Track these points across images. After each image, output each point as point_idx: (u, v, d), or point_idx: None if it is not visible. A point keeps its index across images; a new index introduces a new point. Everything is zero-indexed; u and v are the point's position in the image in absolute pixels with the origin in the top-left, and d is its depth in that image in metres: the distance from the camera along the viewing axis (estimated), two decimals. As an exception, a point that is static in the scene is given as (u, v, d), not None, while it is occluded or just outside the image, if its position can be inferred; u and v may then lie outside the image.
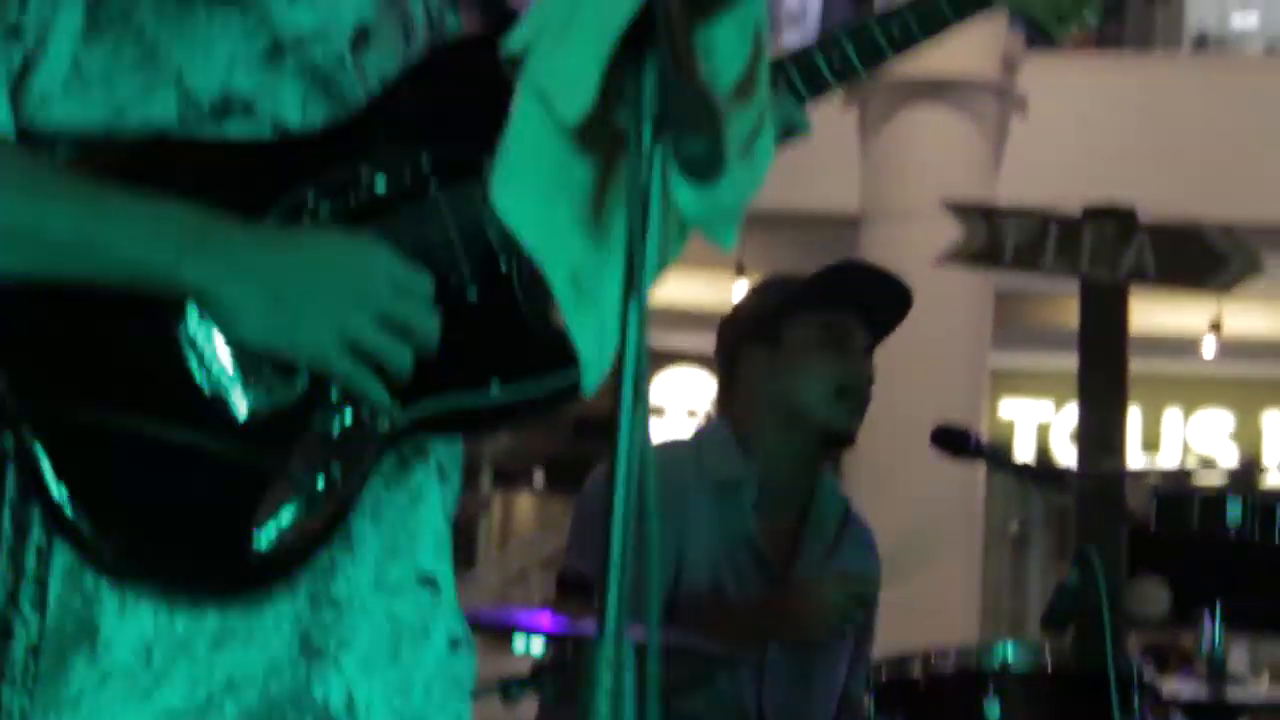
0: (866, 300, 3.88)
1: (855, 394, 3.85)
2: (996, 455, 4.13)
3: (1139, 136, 11.47)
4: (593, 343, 1.60)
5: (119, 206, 1.91)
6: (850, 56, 2.18)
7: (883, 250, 10.80)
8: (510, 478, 18.17)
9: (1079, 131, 11.61)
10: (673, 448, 3.92)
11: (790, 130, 2.15)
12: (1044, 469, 3.97)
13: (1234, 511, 3.76)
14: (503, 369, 2.02)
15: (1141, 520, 4.34)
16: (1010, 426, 15.33)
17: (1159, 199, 8.09)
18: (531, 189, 1.57)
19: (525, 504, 18.77)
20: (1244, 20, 14.18)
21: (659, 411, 15.04)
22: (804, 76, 2.19)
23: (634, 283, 1.43)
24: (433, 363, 1.97)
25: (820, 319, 3.84)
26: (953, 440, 3.98)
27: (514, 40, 1.57)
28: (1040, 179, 10.84)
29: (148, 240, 1.89)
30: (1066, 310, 12.75)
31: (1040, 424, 15.48)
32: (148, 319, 1.93)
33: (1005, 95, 11.63)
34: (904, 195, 10.81)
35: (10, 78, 1.94)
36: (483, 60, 2.06)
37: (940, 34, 2.22)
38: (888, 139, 11.24)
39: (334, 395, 1.96)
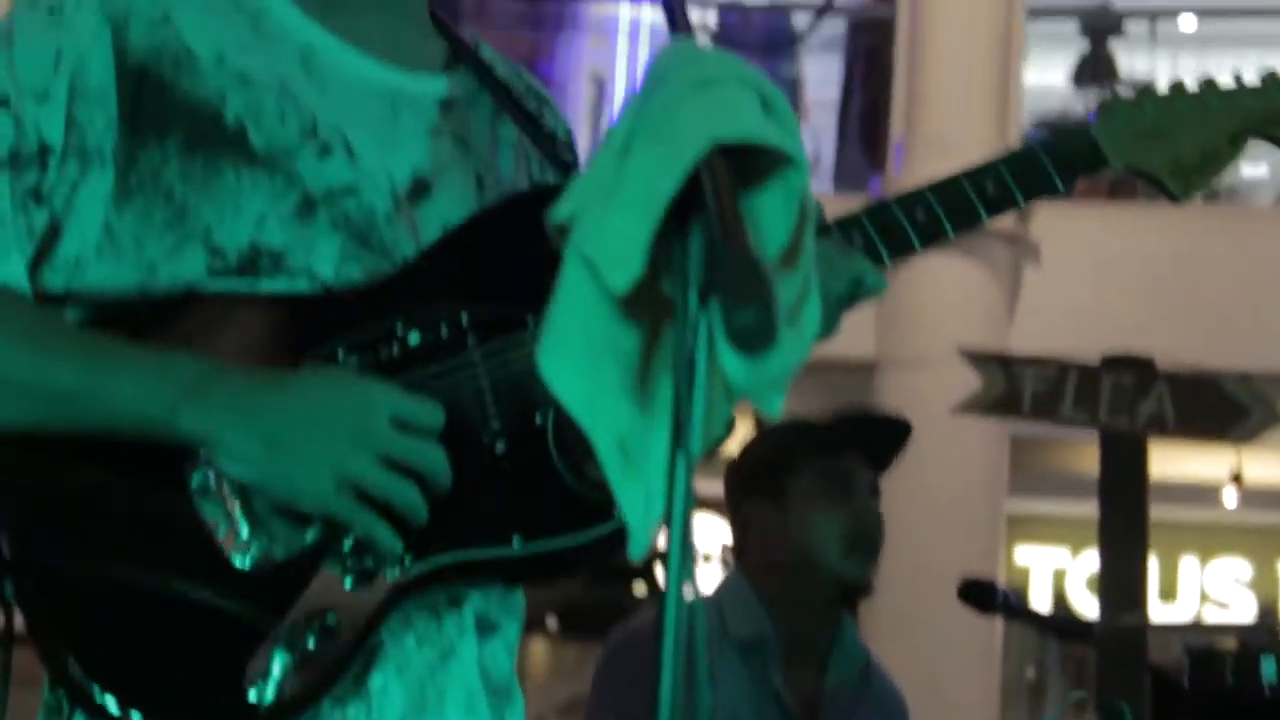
0: (865, 440, 3.85)
1: (866, 541, 3.81)
2: (1022, 611, 4.11)
3: (1153, 285, 11.48)
4: (639, 508, 1.58)
5: (120, 358, 1.92)
6: (940, 216, 2.12)
7: (898, 396, 10.77)
8: (524, 623, 18.12)
9: (1092, 279, 11.62)
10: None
11: (863, 290, 2.07)
12: (1068, 624, 3.94)
13: (1269, 669, 3.73)
14: (526, 524, 2.01)
15: (1170, 675, 4.30)
16: (1026, 573, 15.25)
17: (1174, 348, 8.10)
18: (578, 357, 1.56)
19: (539, 649, 18.66)
20: (1254, 170, 14.25)
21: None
22: (883, 236, 2.12)
23: (681, 445, 1.43)
24: (452, 514, 1.96)
25: (821, 466, 3.80)
26: (980, 595, 3.96)
27: (560, 210, 1.57)
28: (1054, 327, 10.85)
29: (147, 390, 1.89)
30: (1082, 456, 12.74)
31: (1056, 570, 15.39)
32: (155, 472, 1.93)
33: (1019, 243, 11.63)
34: (918, 342, 10.81)
35: (34, 240, 1.96)
36: (531, 218, 2.10)
37: (1043, 196, 2.14)
38: (902, 285, 11.23)
39: (345, 546, 1.94)
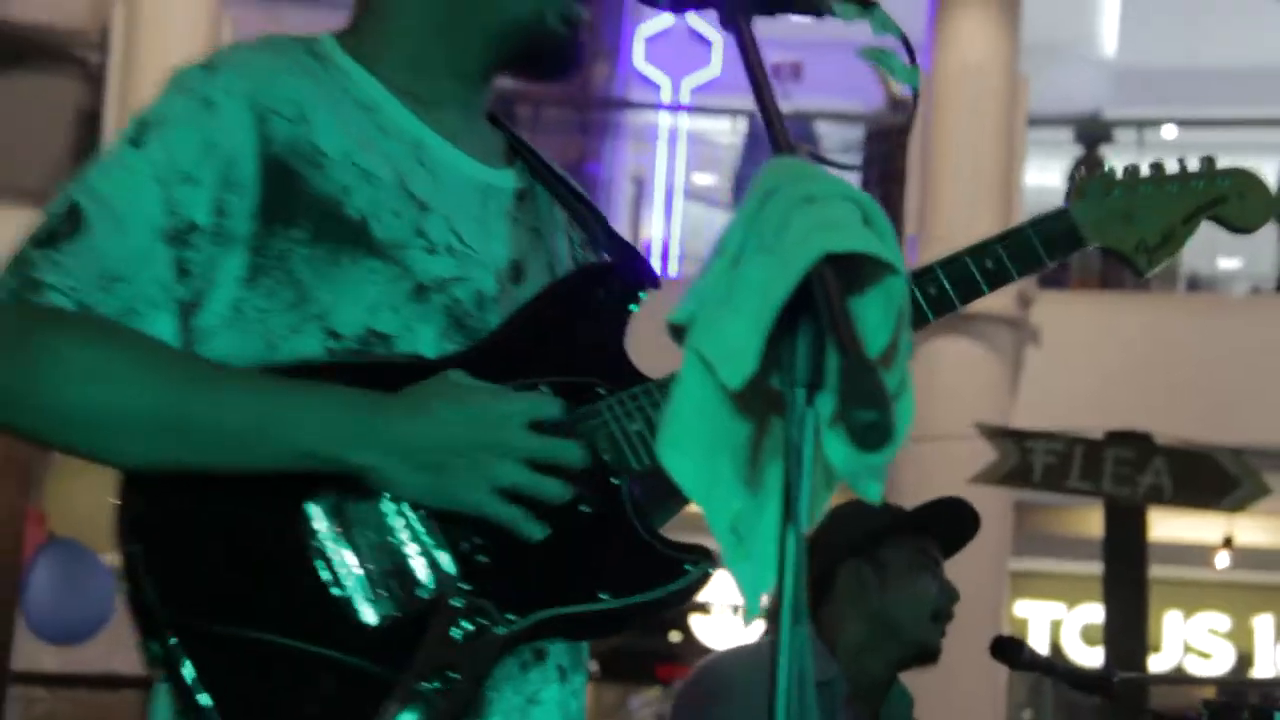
0: (950, 528, 3.87)
1: (948, 615, 3.84)
2: (1044, 664, 4.07)
3: (1142, 367, 11.47)
4: (749, 582, 1.57)
5: (289, 397, 1.90)
6: (947, 288, 2.12)
7: (913, 468, 10.71)
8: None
9: (1088, 361, 11.62)
10: (761, 651, 3.88)
11: None
12: (1084, 677, 3.93)
13: (1283, 725, 3.69)
14: (611, 582, 1.98)
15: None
16: (1025, 624, 15.18)
17: (1163, 425, 8.08)
18: (696, 448, 1.54)
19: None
20: (1229, 263, 14.27)
21: (705, 609, 14.91)
22: None
23: (791, 522, 1.41)
24: (548, 574, 1.94)
25: (917, 544, 3.82)
26: (1009, 652, 3.95)
27: (679, 312, 1.55)
28: (1053, 405, 10.84)
29: (317, 427, 1.88)
30: (1076, 520, 12.72)
31: (1053, 621, 15.33)
32: (283, 535, 1.90)
33: (1021, 328, 11.65)
34: (931, 418, 10.75)
35: (178, 307, 1.94)
36: (598, 294, 2.11)
37: (1032, 270, 2.16)
38: (916, 367, 11.10)
39: (457, 603, 1.92)
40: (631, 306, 2.11)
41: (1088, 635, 15.15)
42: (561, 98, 13.25)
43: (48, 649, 7.36)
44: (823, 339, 1.50)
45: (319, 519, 1.90)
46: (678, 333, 1.55)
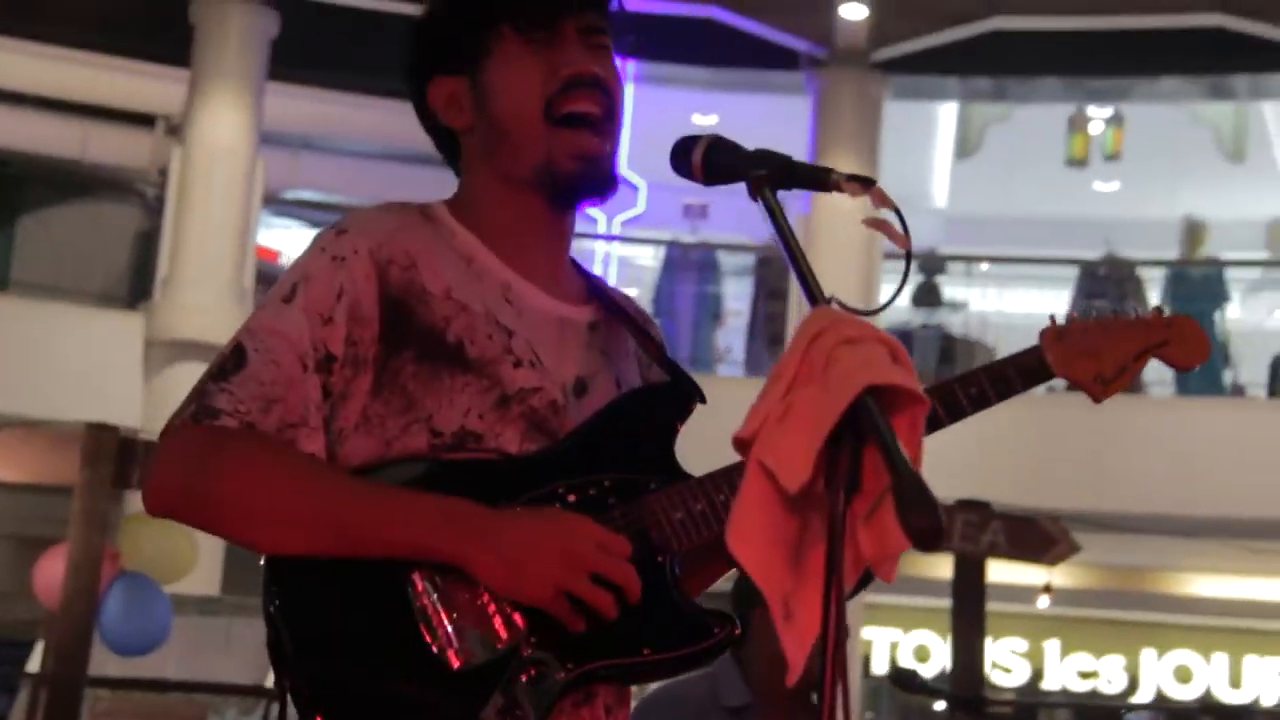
0: None
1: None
2: (929, 689, 4.04)
3: (987, 447, 11.50)
4: (796, 646, 1.53)
5: (397, 500, 1.88)
6: (937, 409, 2.07)
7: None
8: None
9: (940, 446, 11.60)
10: (695, 679, 3.83)
11: None
12: (959, 698, 3.91)
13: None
14: (653, 639, 1.94)
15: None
16: (870, 644, 15.16)
17: (998, 494, 8.11)
18: (758, 539, 1.51)
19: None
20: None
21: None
22: None
23: (831, 599, 1.38)
24: (601, 632, 1.90)
25: None
26: (905, 680, 3.91)
27: (745, 429, 1.51)
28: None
29: (418, 524, 1.85)
30: (915, 563, 12.73)
31: (891, 643, 15.32)
32: (391, 597, 1.87)
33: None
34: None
35: (323, 421, 1.93)
36: (654, 407, 2.07)
37: (1008, 397, 2.12)
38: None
39: (526, 653, 1.88)
40: (679, 418, 2.08)
41: (919, 654, 15.18)
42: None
43: (110, 657, 7.20)
44: (860, 452, 1.47)
45: (420, 584, 1.87)
46: (743, 446, 1.52)
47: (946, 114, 15.64)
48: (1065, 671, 15.29)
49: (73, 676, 6.47)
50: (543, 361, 2.00)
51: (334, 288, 1.94)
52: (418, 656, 1.85)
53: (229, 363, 1.91)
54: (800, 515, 1.52)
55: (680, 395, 2.08)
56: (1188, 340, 2.17)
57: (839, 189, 1.89)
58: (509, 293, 2.03)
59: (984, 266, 14.21)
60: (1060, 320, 2.17)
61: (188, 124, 11.83)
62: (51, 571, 6.50)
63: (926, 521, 1.26)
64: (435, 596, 1.87)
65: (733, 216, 13.52)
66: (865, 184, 1.87)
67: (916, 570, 12.22)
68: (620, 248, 14.30)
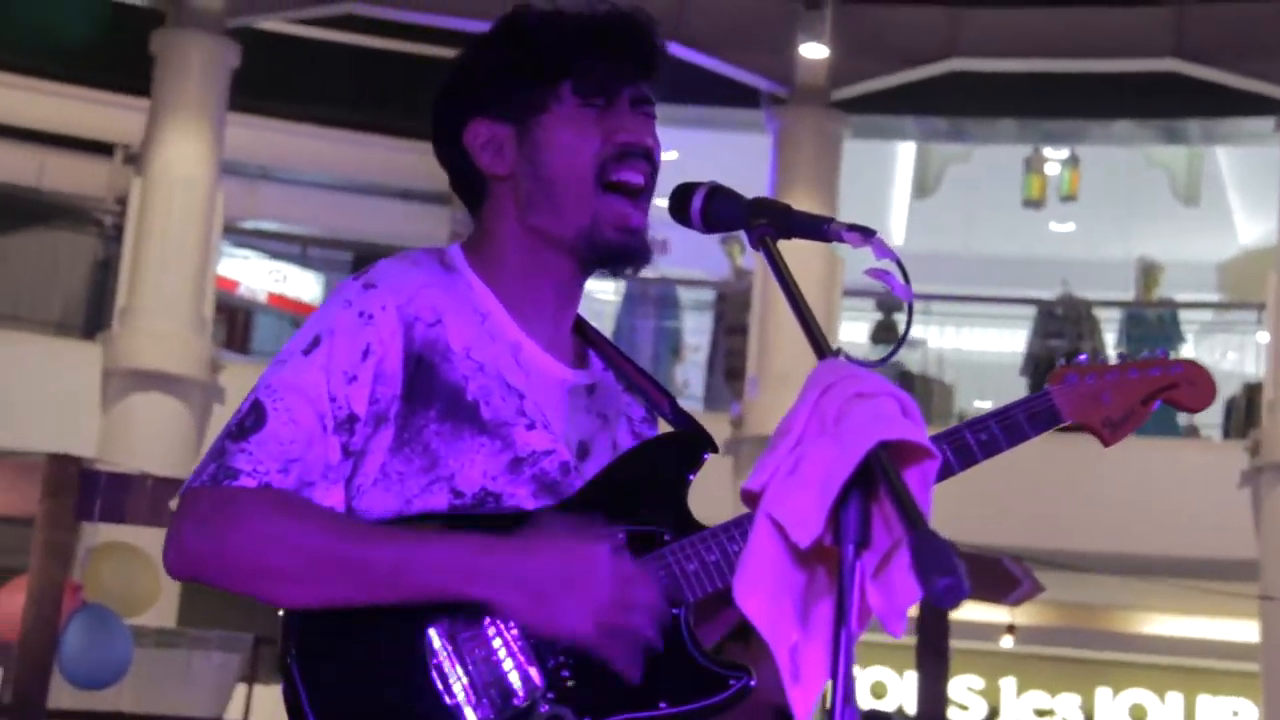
0: None
1: None
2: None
3: (951, 486, 11.53)
4: (802, 705, 1.52)
5: (422, 546, 1.86)
6: (949, 456, 2.07)
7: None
8: None
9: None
10: None
11: None
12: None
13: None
14: (669, 692, 1.92)
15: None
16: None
17: (961, 533, 8.12)
18: (764, 591, 1.50)
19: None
20: (988, 405, 14.43)
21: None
22: None
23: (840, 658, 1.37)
24: (618, 686, 1.88)
25: None
26: (878, 721, 3.90)
27: (753, 482, 1.51)
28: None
29: (446, 569, 1.84)
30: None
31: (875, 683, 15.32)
32: (407, 654, 1.86)
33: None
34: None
35: (342, 479, 1.91)
36: (665, 458, 2.05)
37: (1019, 443, 2.09)
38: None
39: (544, 709, 1.87)
40: (691, 469, 2.06)
41: (876, 690, 15.17)
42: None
43: (70, 691, 7.11)
44: (869, 507, 1.46)
45: (436, 640, 1.86)
46: (750, 499, 1.51)
47: (905, 153, 15.73)
48: (1021, 709, 15.31)
49: (31, 710, 6.38)
50: (552, 423, 2.00)
51: (360, 345, 1.91)
52: (435, 715, 1.84)
53: (248, 420, 1.89)
54: (808, 569, 1.51)
55: (691, 446, 2.06)
56: (1195, 383, 2.16)
57: (839, 239, 1.89)
58: (519, 354, 2.01)
59: (942, 304, 14.27)
60: (1069, 364, 2.17)
61: (148, 153, 11.76)
62: (12, 604, 6.42)
63: (949, 581, 1.25)
64: (452, 652, 1.86)
65: (692, 252, 13.52)
66: (866, 234, 1.88)
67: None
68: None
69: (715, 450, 2.07)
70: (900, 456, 1.48)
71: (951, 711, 15.13)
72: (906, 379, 13.05)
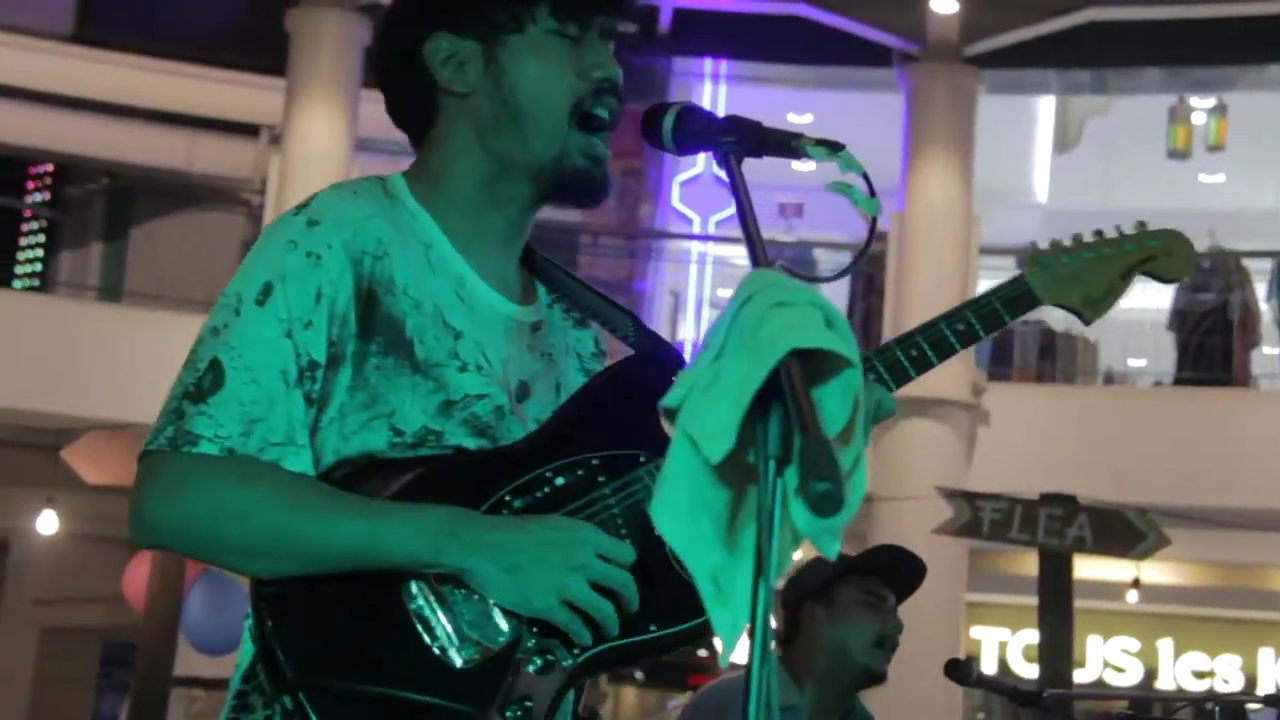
0: (897, 572, 3.73)
1: (890, 643, 3.68)
2: (989, 682, 3.92)
3: (1071, 442, 11.32)
4: (727, 626, 1.45)
5: (389, 514, 1.81)
6: (926, 350, 2.01)
7: (888, 522, 10.60)
8: (619, 675, 17.93)
9: (1027, 438, 11.47)
10: (741, 680, 3.75)
11: (883, 411, 1.98)
12: (1021, 693, 3.76)
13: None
14: (657, 616, 1.86)
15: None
16: (979, 644, 14.92)
17: (1086, 488, 7.93)
18: (682, 510, 1.43)
19: (630, 695, 18.38)
20: (1137, 362, 14.14)
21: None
22: (888, 369, 2.02)
23: (761, 575, 1.30)
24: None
25: (864, 585, 3.68)
26: (960, 672, 3.80)
27: (670, 398, 1.44)
28: (999, 473, 10.69)
29: (415, 538, 1.79)
30: (1018, 561, 12.52)
31: (1000, 643, 15.04)
32: (386, 601, 1.80)
33: (973, 411, 11.50)
34: (904, 483, 10.64)
35: (308, 431, 1.86)
36: (637, 379, 1.98)
37: (997, 330, 2.05)
38: (889, 441, 11.09)
39: (530, 642, 1.82)
40: (665, 387, 1.99)
41: (1028, 654, 14.88)
42: (615, 230, 13.21)
43: (204, 659, 7.25)
44: (790, 421, 1.38)
45: (415, 586, 1.81)
46: (670, 415, 1.44)
47: (1045, 108, 15.38)
48: (1180, 671, 14.94)
49: (160, 677, 6.52)
50: (491, 363, 1.93)
51: (312, 289, 1.85)
52: (419, 659, 1.79)
53: (205, 380, 1.82)
54: (734, 488, 1.44)
55: (663, 365, 1.98)
56: (1174, 253, 2.11)
57: (805, 155, 1.81)
58: (462, 288, 1.95)
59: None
60: (1042, 246, 2.09)
61: (285, 132, 11.93)
62: (140, 575, 6.56)
63: (827, 487, 1.17)
64: (431, 597, 1.81)
65: (829, 214, 13.37)
66: (833, 148, 1.80)
67: (1022, 569, 12.02)
68: (715, 248, 14.21)
69: (683, 366, 2.00)
70: (821, 367, 1.40)
71: (1108, 674, 14.83)
72: (1049, 337, 12.79)
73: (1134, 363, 14.21)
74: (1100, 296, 2.09)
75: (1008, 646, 15.10)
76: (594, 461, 1.91)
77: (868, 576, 3.69)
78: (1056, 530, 6.30)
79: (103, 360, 11.43)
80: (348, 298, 1.86)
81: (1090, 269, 2.09)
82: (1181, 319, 12.44)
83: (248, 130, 14.02)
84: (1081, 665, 14.55)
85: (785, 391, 1.31)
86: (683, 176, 14.30)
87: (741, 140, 1.81)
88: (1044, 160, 15.77)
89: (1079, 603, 7.28)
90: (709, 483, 1.42)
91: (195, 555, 1.89)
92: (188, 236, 13.34)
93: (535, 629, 1.82)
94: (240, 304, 1.85)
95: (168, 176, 13.72)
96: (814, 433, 1.24)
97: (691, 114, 1.86)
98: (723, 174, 1.83)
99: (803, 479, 1.21)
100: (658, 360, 2.01)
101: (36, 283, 14.01)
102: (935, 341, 2.02)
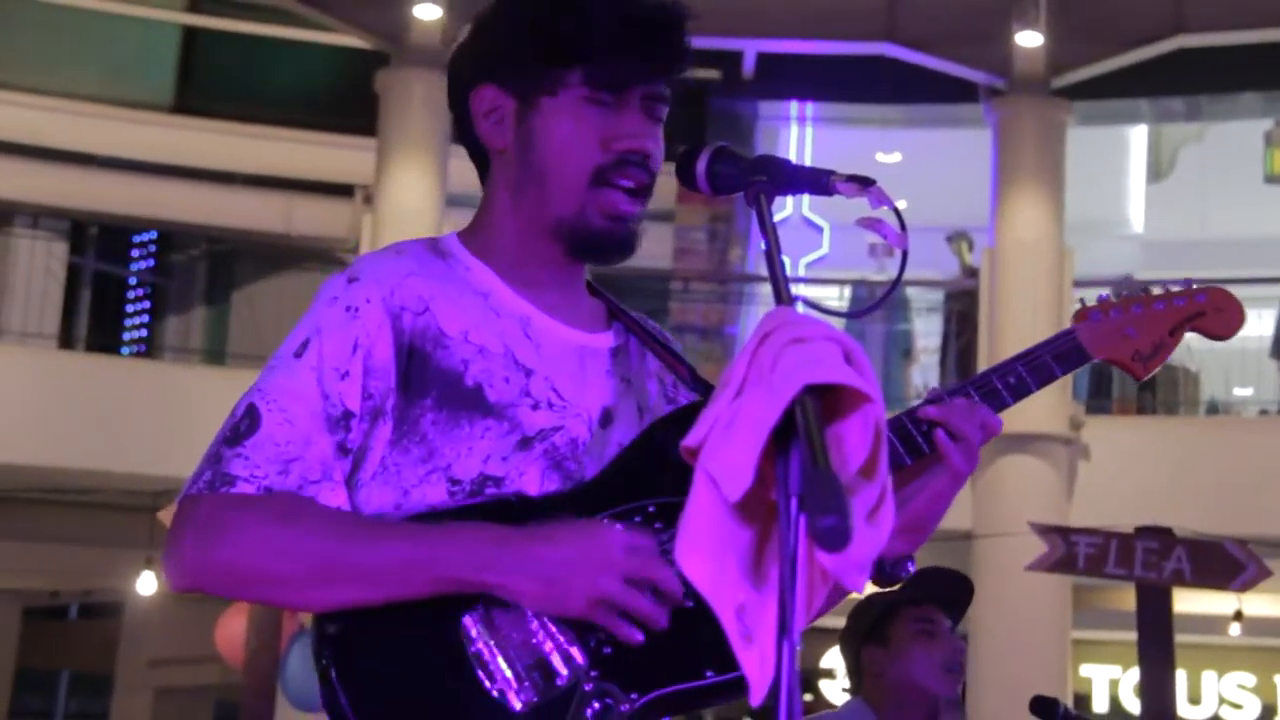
0: (946, 594, 3.72)
1: (955, 666, 3.66)
2: (1073, 717, 3.85)
3: (1172, 475, 11.13)
4: (756, 667, 1.44)
5: (432, 538, 1.82)
6: (976, 401, 2.01)
7: (990, 559, 10.48)
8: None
9: (1127, 472, 11.29)
10: (830, 717, 3.75)
11: (987, 431, 1.99)
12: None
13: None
14: (715, 661, 1.84)
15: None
16: (1089, 683, 14.67)
17: (1190, 521, 7.79)
18: (704, 549, 1.43)
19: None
20: (1242, 392, 13.88)
21: (830, 674, 14.56)
22: (985, 396, 2.03)
23: (786, 625, 1.29)
24: (663, 658, 1.83)
25: (916, 615, 3.67)
26: (1045, 708, 3.74)
27: (692, 437, 1.44)
28: (1100, 507, 10.54)
29: (457, 558, 1.80)
30: (1125, 596, 12.30)
31: (1111, 680, 14.78)
32: (445, 645, 1.82)
33: (1073, 446, 11.36)
34: (1003, 518, 10.52)
35: (342, 476, 1.88)
36: (686, 429, 1.97)
37: (1048, 383, 2.05)
38: (990, 477, 10.97)
39: (588, 688, 1.82)
40: None
41: (1140, 691, 14.62)
42: (705, 274, 13.22)
43: (304, 715, 7.29)
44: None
45: (473, 628, 1.82)
46: (692, 454, 1.44)
47: (1137, 136, 15.21)
48: (1300, 706, 14.61)
49: (261, 732, 6.57)
50: (564, 397, 1.95)
51: (349, 340, 1.88)
52: (478, 703, 1.80)
53: (242, 424, 1.86)
54: (758, 525, 1.43)
55: None
56: (1223, 310, 2.10)
57: (836, 191, 1.81)
58: (529, 327, 1.97)
59: (1183, 290, 13.74)
60: (1090, 303, 2.08)
61: (377, 191, 12.08)
62: (233, 630, 6.62)
63: (833, 520, 1.17)
64: (490, 640, 1.82)
65: (921, 252, 13.31)
66: (864, 183, 1.80)
67: (1131, 604, 11.82)
68: (806, 289, 14.17)
69: None
70: (839, 403, 1.40)
71: (1225, 711, 14.52)
72: (1149, 368, 12.60)
73: (1240, 392, 13.96)
74: (1149, 353, 2.08)
75: (1119, 684, 14.83)
76: (650, 509, 1.91)
77: (919, 605, 3.67)
78: (1154, 563, 6.18)
79: (206, 421, 11.58)
80: (388, 351, 1.89)
81: (1139, 325, 2.08)
82: (1284, 346, 12.22)
83: (343, 191, 14.21)
84: (1196, 702, 14.27)
85: (799, 427, 1.30)
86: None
87: (772, 179, 1.82)
88: (1138, 190, 15.59)
89: (1187, 638, 7.13)
90: (731, 521, 1.41)
91: (238, 592, 1.90)
92: (287, 297, 13.52)
93: (594, 673, 1.83)
94: (279, 358, 1.90)
95: (266, 239, 13.93)
96: (822, 468, 1.23)
97: (724, 156, 1.86)
98: (821, 219, 1.83)
99: (809, 514, 1.20)
100: None
101: (143, 348, 14.27)
102: (987, 394, 2.01)
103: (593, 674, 1.82)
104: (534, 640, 1.82)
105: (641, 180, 1.97)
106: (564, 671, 1.81)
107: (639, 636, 1.81)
